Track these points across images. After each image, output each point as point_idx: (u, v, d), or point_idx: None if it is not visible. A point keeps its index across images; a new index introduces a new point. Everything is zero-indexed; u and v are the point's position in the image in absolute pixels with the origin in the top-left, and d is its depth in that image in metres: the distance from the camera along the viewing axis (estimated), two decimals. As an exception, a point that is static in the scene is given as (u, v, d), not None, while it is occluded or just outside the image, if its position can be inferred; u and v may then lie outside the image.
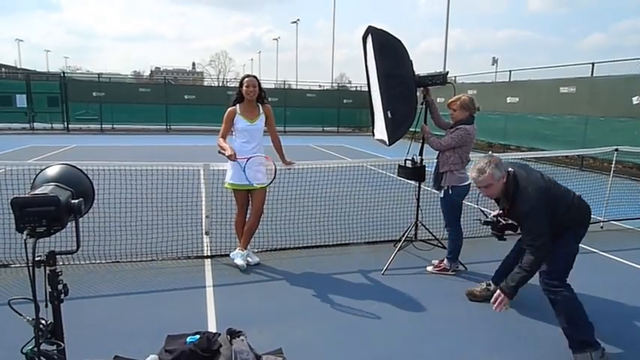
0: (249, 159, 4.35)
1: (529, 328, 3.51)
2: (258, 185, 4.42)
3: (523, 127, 14.96)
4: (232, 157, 4.31)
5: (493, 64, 35.75)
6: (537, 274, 3.03)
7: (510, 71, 16.49)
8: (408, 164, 4.78)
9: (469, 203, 4.63)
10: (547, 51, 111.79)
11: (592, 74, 12.77)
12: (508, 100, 15.73)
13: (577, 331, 2.96)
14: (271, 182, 4.46)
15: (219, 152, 4.50)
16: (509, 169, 3.07)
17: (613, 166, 6.83)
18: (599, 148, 7.73)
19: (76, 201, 1.75)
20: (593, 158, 12.44)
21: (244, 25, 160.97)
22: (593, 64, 12.69)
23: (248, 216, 4.68)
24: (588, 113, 12.51)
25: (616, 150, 6.72)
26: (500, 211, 3.28)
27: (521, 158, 8.43)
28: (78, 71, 64.78)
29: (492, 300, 3.05)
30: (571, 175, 10.83)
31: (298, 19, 52.54)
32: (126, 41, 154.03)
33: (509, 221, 3.26)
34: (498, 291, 3.04)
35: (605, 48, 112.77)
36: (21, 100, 21.32)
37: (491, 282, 3.91)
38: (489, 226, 3.38)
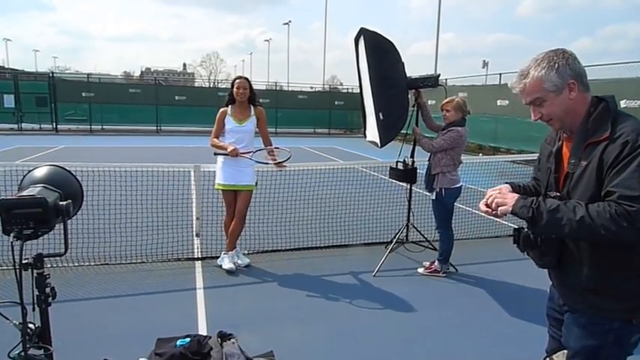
0: (254, 152, 4.44)
1: (519, 329, 3.53)
2: (244, 186, 4.46)
3: (513, 129, 15.07)
4: (235, 152, 4.31)
5: (484, 67, 36.11)
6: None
7: (500, 74, 16.67)
8: (400, 166, 4.79)
9: (461, 205, 4.65)
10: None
11: (581, 77, 12.91)
12: (498, 102, 15.86)
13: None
14: (287, 159, 4.64)
15: (216, 154, 4.49)
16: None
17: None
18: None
19: (65, 203, 1.72)
20: (581, 161, 12.54)
21: (239, 26, 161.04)
22: (581, 67, 12.84)
23: None
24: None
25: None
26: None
27: (512, 161, 8.51)
28: (67, 71, 64.21)
29: (495, 195, 1.72)
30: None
31: (290, 21, 52.71)
32: (118, 42, 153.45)
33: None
34: (511, 191, 1.75)
35: (593, 52, 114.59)
36: (8, 100, 21.03)
37: None
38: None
